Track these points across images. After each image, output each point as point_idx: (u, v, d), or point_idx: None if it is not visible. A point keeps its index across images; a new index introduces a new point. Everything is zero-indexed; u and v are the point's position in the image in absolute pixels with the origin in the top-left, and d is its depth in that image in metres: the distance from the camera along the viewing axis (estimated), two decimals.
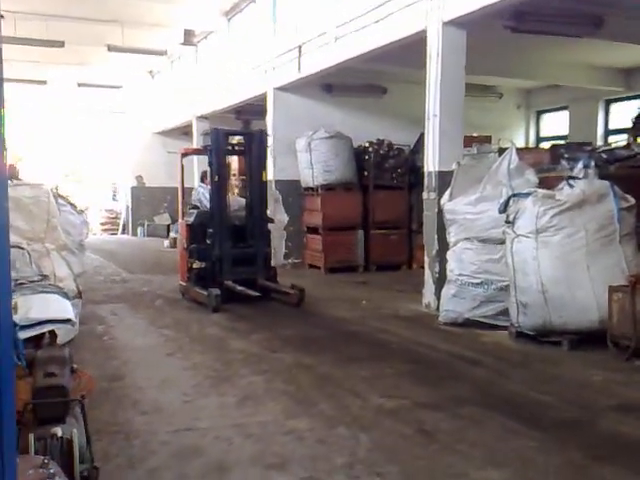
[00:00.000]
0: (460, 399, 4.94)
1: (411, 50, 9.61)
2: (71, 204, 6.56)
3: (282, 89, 12.73)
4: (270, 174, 12.71)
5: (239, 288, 8.32)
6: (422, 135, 11.30)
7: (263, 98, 13.25)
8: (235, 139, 10.00)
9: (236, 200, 9.66)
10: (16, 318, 4.02)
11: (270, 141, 12.78)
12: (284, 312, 8.35)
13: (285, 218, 12.71)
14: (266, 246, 9.08)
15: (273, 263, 12.53)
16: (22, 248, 4.96)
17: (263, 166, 9.06)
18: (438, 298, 7.96)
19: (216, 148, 8.72)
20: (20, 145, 26.21)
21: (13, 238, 5.08)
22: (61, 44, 14.32)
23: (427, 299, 8.42)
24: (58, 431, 2.93)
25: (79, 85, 19.09)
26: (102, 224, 24.12)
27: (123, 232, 23.13)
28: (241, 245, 8.83)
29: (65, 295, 4.55)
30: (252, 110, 15.94)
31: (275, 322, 7.70)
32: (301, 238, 12.71)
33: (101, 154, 25.07)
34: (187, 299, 9.03)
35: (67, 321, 4.24)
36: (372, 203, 12.30)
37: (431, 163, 8.34)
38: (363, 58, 10.38)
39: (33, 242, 5.24)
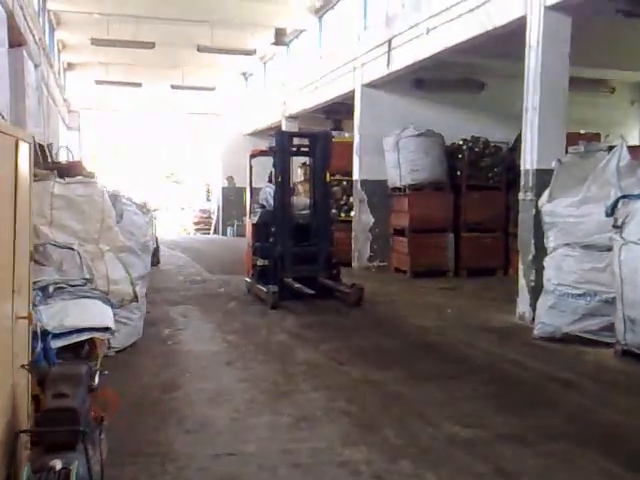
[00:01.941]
0: (550, 431, 4.21)
1: (510, 40, 8.96)
2: (136, 204, 6.31)
3: (370, 86, 12.19)
4: (356, 174, 12.32)
5: (296, 285, 8.34)
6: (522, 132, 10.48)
7: (352, 96, 12.75)
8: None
9: (301, 200, 9.60)
10: (49, 325, 3.73)
11: (356, 140, 12.37)
12: (360, 319, 7.81)
13: (371, 219, 12.15)
14: (329, 245, 9.05)
15: (357, 265, 12.18)
16: (72, 249, 4.70)
17: (327, 167, 9.06)
18: (534, 309, 7.20)
19: (280, 149, 8.82)
20: (117, 147, 27.14)
21: (64, 238, 4.86)
22: (152, 45, 14.48)
23: (521, 309, 7.63)
24: (57, 464, 2.54)
25: (172, 87, 19.39)
26: (195, 224, 24.51)
27: (215, 232, 23.37)
28: (303, 244, 8.89)
29: (107, 300, 4.23)
30: (342, 109, 15.49)
31: (349, 330, 7.17)
32: (387, 240, 12.09)
33: (196, 155, 25.51)
34: (251, 295, 9.09)
35: (106, 330, 3.90)
36: (464, 204, 11.51)
37: (528, 160, 7.58)
38: (457, 49, 9.68)
39: (86, 243, 4.98)
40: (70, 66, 20.15)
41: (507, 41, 9.14)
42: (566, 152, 7.36)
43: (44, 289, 4.03)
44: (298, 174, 12.68)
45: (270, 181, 9.74)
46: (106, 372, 5.31)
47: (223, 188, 22.36)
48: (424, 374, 5.43)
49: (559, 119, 7.52)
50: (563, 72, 7.49)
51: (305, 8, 14.77)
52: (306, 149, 9.36)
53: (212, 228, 24.08)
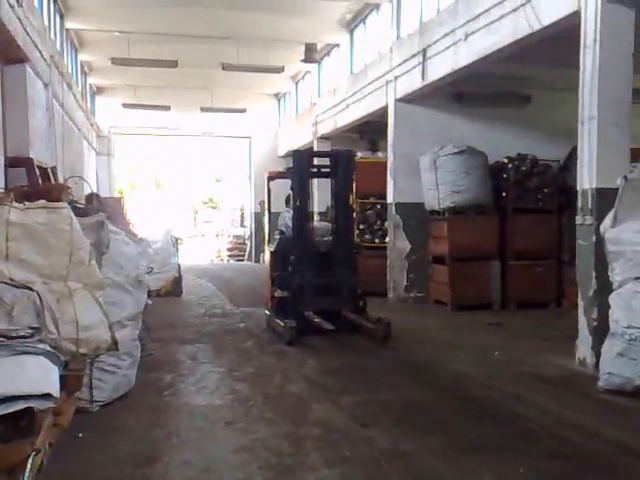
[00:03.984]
0: None
1: (559, 45, 8.05)
2: (126, 232, 5.45)
3: (405, 100, 11.26)
4: (390, 196, 11.38)
5: (316, 320, 7.52)
6: (574, 149, 9.47)
7: (385, 113, 11.83)
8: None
9: (322, 225, 8.86)
10: None
11: (390, 159, 11.43)
12: (391, 363, 6.78)
13: (407, 246, 11.11)
14: (353, 274, 8.17)
15: (392, 296, 11.16)
16: (31, 289, 3.86)
17: (350, 188, 8.29)
18: (596, 354, 6.09)
19: (298, 171, 8.14)
20: (150, 172, 26.61)
21: (24, 275, 4.00)
22: (174, 64, 13.89)
23: (581, 353, 6.50)
24: None
25: (202, 110, 18.79)
26: (229, 250, 23.81)
27: (249, 259, 22.61)
28: (324, 273, 8.10)
29: (54, 357, 3.35)
30: (377, 128, 14.56)
31: (377, 377, 6.14)
32: (425, 269, 11.02)
33: (230, 180, 24.93)
34: (270, 330, 8.32)
35: (45, 396, 3.01)
36: (511, 229, 10.42)
37: (586, 178, 6.51)
38: (499, 57, 8.73)
39: (52, 280, 4.12)
40: (99, 90, 19.80)
41: (555, 46, 8.24)
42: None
43: None
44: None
45: (287, 204, 8.93)
46: (80, 435, 4.52)
47: (256, 213, 21.56)
48: (466, 443, 4.36)
49: (622, 128, 6.44)
50: (626, 74, 6.45)
51: (335, 22, 13.98)
52: (327, 170, 8.56)
53: (247, 254, 23.34)
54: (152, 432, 4.57)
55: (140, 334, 6.16)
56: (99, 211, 7.34)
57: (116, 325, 5.01)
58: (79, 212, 5.54)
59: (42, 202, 4.11)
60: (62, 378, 3.87)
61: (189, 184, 34.03)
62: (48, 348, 3.39)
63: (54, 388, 3.11)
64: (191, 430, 4.63)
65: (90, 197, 12.52)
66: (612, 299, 5.74)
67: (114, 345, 4.46)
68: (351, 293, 8.01)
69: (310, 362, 6.71)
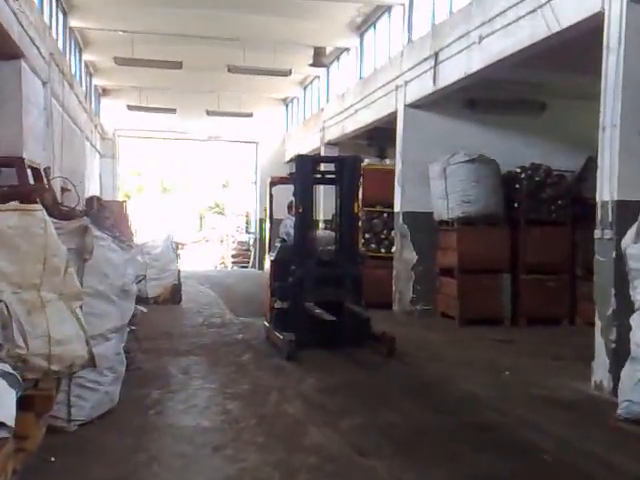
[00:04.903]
0: None
1: (577, 50, 7.72)
2: (114, 237, 5.08)
3: (415, 106, 10.89)
4: (397, 205, 11.01)
5: (317, 311, 7.14)
6: (590, 159, 9.10)
7: (395, 119, 11.46)
8: None
9: (325, 234, 8.58)
10: None
11: (398, 167, 11.07)
12: (394, 380, 6.41)
13: (414, 257, 10.71)
14: (357, 287, 7.74)
15: (398, 308, 10.78)
16: None
17: (355, 196, 7.95)
18: (614, 378, 5.70)
19: (301, 176, 7.79)
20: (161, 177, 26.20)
21: None
22: (179, 65, 13.60)
23: (598, 376, 6.09)
24: None
25: (208, 113, 18.47)
26: (233, 256, 23.48)
27: (253, 266, 22.26)
28: (326, 286, 7.68)
29: (12, 379, 2.98)
30: (386, 135, 14.19)
31: (380, 397, 5.76)
32: (433, 281, 10.61)
33: (236, 185, 24.61)
34: (270, 343, 7.96)
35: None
36: (523, 241, 10.01)
37: (606, 190, 6.12)
38: (514, 62, 8.42)
39: (23, 290, 3.77)
40: (105, 92, 19.57)
41: (572, 52, 7.96)
42: None
43: None
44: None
45: (289, 211, 8.60)
46: (52, 459, 4.15)
47: (260, 219, 21.21)
48: (475, 476, 3.97)
49: None
50: None
51: (345, 25, 13.66)
52: (332, 176, 8.21)
53: (251, 261, 23.00)
54: (132, 456, 4.19)
55: (128, 346, 5.83)
56: (99, 215, 6.97)
57: (98, 338, 4.69)
58: (63, 215, 5.23)
59: (14, 204, 3.75)
60: (30, 398, 3.54)
61: (195, 189, 33.79)
62: (7, 369, 3.01)
63: (9, 416, 2.74)
64: (175, 456, 4.25)
65: (91, 200, 12.20)
66: (634, 320, 5.33)
67: (91, 361, 4.10)
68: (355, 288, 7.67)
69: (309, 379, 6.32)
